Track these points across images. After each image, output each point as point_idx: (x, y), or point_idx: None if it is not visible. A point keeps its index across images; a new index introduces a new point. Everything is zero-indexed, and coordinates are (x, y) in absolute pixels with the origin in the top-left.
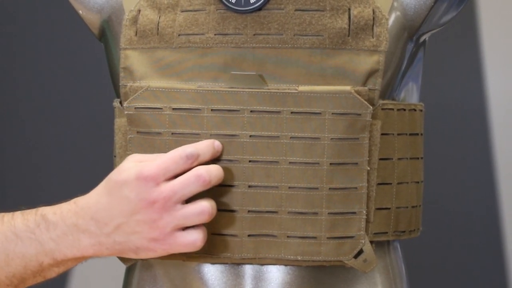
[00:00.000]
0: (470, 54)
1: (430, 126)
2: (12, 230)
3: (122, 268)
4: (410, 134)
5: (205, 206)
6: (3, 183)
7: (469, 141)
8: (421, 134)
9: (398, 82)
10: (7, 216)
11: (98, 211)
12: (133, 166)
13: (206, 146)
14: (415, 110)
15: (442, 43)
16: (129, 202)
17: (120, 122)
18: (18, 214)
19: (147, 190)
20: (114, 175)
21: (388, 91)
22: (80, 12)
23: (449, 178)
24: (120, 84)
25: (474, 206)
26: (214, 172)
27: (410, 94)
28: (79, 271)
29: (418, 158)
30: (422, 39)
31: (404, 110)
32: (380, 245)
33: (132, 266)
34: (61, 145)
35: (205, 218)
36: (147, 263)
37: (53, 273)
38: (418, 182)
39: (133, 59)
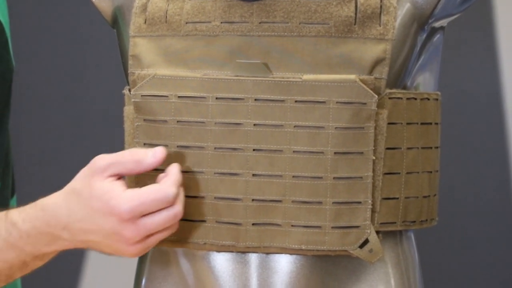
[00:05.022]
0: (485, 43)
1: (446, 115)
2: None
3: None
4: (422, 124)
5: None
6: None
7: (484, 131)
8: (436, 124)
9: (409, 71)
10: None
11: (70, 223)
12: (107, 191)
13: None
14: (428, 99)
15: (456, 31)
16: (102, 229)
17: (128, 110)
18: None
19: (122, 228)
20: (86, 193)
21: (399, 80)
22: None
23: (464, 168)
24: (129, 71)
25: (489, 195)
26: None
27: (427, 82)
28: (91, 265)
29: (431, 148)
30: (438, 26)
31: (415, 99)
32: (391, 235)
33: (144, 256)
34: (72, 134)
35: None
36: (159, 253)
37: (39, 263)
38: (431, 172)
39: (142, 47)
